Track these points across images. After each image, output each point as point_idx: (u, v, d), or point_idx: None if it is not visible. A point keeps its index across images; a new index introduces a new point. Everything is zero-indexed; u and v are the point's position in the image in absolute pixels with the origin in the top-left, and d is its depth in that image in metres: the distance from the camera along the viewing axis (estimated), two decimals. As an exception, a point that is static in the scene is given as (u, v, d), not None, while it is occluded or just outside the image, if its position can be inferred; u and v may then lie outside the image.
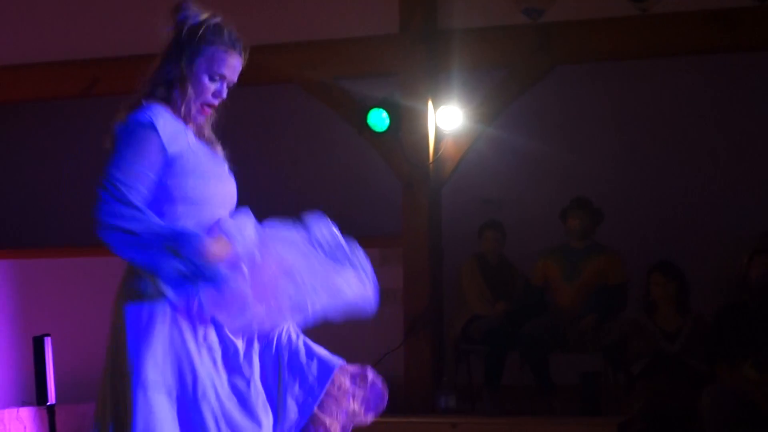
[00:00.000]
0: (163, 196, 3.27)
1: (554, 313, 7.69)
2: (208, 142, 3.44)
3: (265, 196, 9.56)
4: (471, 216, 8.58)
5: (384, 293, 8.31)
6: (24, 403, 8.30)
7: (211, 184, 3.37)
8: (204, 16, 3.37)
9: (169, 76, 3.33)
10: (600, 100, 9.21)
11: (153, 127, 3.23)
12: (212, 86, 3.37)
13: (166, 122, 3.27)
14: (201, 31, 3.33)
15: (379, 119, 7.69)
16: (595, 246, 7.76)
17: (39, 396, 8.02)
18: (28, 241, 9.95)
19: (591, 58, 7.91)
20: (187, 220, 3.28)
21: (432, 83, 7.81)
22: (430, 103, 7.79)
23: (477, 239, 8.14)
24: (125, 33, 8.15)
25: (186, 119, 3.35)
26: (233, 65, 3.40)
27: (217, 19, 3.39)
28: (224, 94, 3.41)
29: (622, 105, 9.19)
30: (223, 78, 3.38)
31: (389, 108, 7.69)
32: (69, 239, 9.94)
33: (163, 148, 3.25)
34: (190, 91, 3.33)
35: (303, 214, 3.39)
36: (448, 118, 7.76)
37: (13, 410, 8.16)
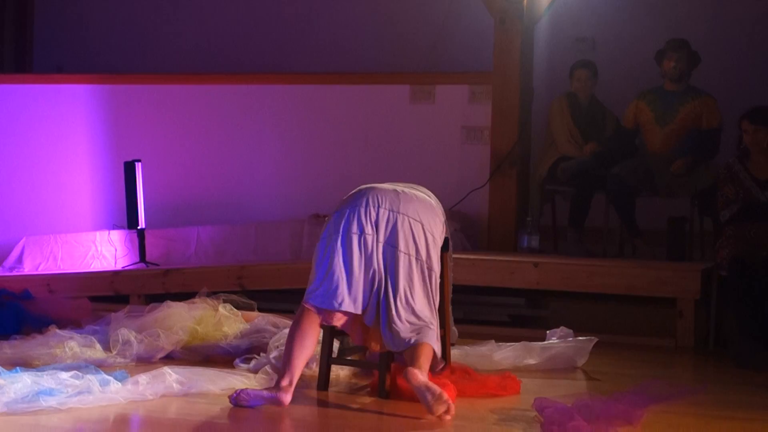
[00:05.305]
0: None
1: (644, 156, 7.60)
2: None
3: (353, 26, 9.51)
4: (563, 55, 8.43)
5: (472, 130, 8.27)
6: (115, 227, 8.49)
7: None
8: None
9: None
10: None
11: None
12: None
13: None
14: None
15: (473, -48, 7.51)
16: (690, 89, 7.60)
17: (129, 220, 8.20)
18: (122, 67, 10.02)
19: None
20: None
21: None
22: (526, -64, 7.57)
23: (568, 79, 8.01)
24: None
25: None
26: None
27: None
28: None
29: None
30: None
31: (484, -60, 7.50)
32: (162, 66, 9.99)
33: None
34: None
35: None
36: (544, -47, 7.55)
37: (105, 232, 8.35)
